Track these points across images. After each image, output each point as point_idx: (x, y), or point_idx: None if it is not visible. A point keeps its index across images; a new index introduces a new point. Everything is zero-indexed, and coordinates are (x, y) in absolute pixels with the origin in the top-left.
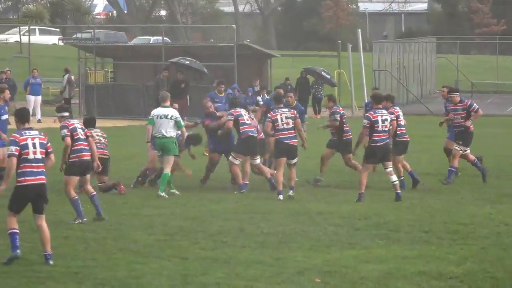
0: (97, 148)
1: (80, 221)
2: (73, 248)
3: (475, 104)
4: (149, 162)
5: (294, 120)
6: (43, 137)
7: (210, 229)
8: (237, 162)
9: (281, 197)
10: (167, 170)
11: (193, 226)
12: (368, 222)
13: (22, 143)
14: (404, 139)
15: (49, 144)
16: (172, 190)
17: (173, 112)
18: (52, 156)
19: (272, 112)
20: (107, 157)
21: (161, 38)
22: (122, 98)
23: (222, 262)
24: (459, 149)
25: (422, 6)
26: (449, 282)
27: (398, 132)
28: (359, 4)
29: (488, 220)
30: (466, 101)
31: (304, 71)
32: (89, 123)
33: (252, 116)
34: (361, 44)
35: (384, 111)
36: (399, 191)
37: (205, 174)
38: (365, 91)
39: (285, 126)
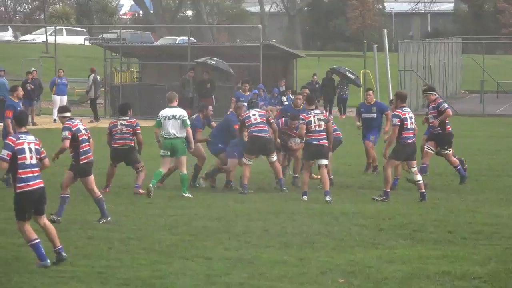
0: (116, 139)
1: (105, 220)
2: (97, 248)
3: (444, 104)
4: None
5: (327, 122)
6: (37, 142)
7: (234, 229)
8: (249, 162)
9: (305, 198)
10: (184, 171)
11: (217, 226)
12: (392, 222)
13: (18, 148)
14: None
15: (42, 149)
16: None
17: (180, 112)
18: (46, 160)
19: (305, 114)
20: (128, 147)
21: (187, 38)
22: (147, 98)
23: (246, 262)
24: (429, 149)
25: (449, 6)
26: (472, 283)
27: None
28: (385, 4)
29: None
30: (437, 100)
31: (330, 71)
32: (122, 110)
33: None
34: (386, 44)
35: (408, 109)
36: (424, 190)
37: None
38: (390, 91)
39: (317, 128)
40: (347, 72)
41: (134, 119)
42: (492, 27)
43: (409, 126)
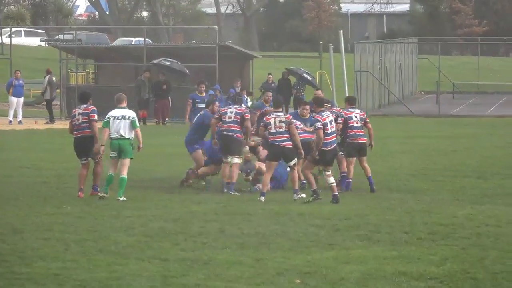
0: (75, 130)
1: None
2: (53, 250)
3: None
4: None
5: (289, 124)
6: None
7: (190, 231)
8: (226, 161)
9: (263, 198)
10: (124, 173)
11: (174, 228)
12: (349, 222)
13: None
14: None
15: None
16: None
17: (129, 113)
18: None
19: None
20: (86, 136)
21: (143, 39)
22: (103, 100)
23: (202, 263)
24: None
25: (404, 7)
26: (429, 283)
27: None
28: (341, 5)
29: (468, 221)
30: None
31: (286, 72)
32: (81, 98)
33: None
34: (343, 45)
35: (328, 113)
36: (336, 193)
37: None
38: (347, 92)
39: (278, 129)
40: (303, 73)
41: (90, 107)
42: (447, 27)
43: (329, 130)
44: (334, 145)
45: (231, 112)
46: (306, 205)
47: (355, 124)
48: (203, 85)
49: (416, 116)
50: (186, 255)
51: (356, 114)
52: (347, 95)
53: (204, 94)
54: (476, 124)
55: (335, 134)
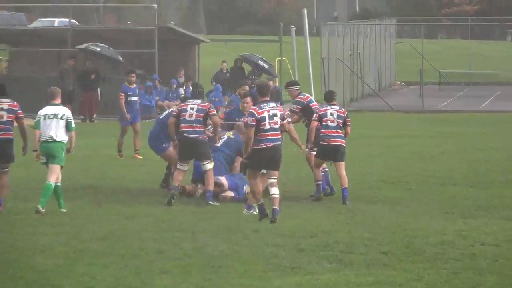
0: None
1: None
2: None
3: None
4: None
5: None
6: None
7: (121, 251)
8: (181, 167)
9: (251, 211)
10: (51, 180)
11: (102, 248)
12: (315, 241)
13: None
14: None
15: None
16: (61, 209)
17: (64, 111)
18: None
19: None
20: (6, 140)
21: (67, 20)
22: (19, 93)
23: None
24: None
25: None
26: None
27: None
28: None
29: (460, 239)
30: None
31: (239, 59)
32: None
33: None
34: (307, 27)
35: (269, 105)
36: (277, 207)
37: None
38: (312, 83)
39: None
40: (259, 61)
41: (15, 102)
42: (432, 7)
43: (266, 127)
44: (274, 143)
45: (192, 108)
46: (263, 221)
47: (329, 123)
48: (133, 75)
49: (396, 112)
50: (116, 281)
51: (332, 112)
52: (312, 87)
53: (134, 86)
54: (467, 121)
55: (275, 132)
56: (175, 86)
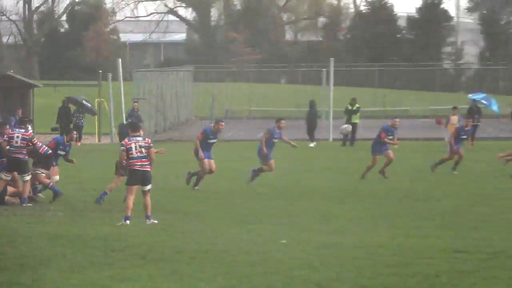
0: None
1: None
2: None
3: None
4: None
5: (148, 149)
6: None
7: None
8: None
9: (128, 222)
10: None
11: None
12: (124, 243)
13: None
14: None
15: None
16: None
17: None
18: None
19: (127, 140)
20: None
21: None
22: None
23: None
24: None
25: (181, 36)
26: None
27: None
28: (120, 35)
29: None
30: None
31: (66, 100)
32: None
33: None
34: (121, 73)
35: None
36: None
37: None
38: (124, 119)
39: (139, 154)
40: (83, 101)
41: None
42: (223, 55)
43: (134, 155)
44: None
45: (17, 137)
46: (85, 227)
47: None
48: None
49: (187, 141)
50: None
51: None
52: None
53: None
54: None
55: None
56: (14, 122)
